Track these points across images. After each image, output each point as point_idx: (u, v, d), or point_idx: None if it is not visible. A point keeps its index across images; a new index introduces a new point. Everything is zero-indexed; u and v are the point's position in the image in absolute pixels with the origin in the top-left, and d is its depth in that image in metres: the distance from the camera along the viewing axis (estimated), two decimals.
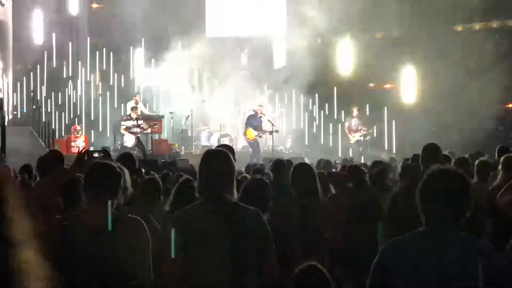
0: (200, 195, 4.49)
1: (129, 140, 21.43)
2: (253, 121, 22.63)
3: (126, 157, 7.49)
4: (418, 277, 3.60)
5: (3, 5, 25.09)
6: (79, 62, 26.95)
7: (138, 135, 21.48)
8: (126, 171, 5.09)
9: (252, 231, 4.40)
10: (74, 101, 26.66)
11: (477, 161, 8.59)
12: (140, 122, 21.64)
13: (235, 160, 6.05)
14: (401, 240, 3.79)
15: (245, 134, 22.70)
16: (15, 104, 25.95)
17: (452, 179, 3.67)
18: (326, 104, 26.30)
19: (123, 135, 21.62)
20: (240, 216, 4.42)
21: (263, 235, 4.46)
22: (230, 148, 6.08)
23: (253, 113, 23.29)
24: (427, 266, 3.59)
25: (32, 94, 25.34)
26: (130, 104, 22.76)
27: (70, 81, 26.79)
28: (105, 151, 6.90)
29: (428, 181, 3.71)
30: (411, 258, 3.65)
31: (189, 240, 4.33)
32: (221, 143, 23.08)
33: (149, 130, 21.92)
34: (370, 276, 3.79)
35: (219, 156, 4.65)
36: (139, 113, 22.29)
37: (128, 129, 21.48)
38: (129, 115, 21.88)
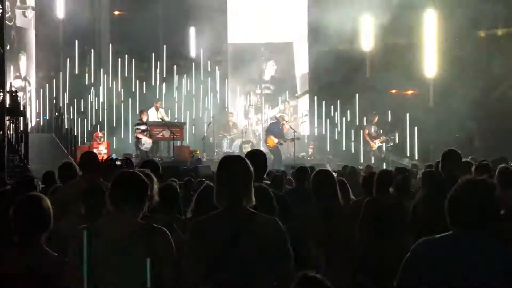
0: (218, 203, 4.34)
1: (147, 143, 21.54)
2: (274, 128, 22.61)
3: (149, 164, 7.40)
4: (448, 278, 3.59)
5: (26, 16, 25.30)
6: (101, 69, 27.05)
7: (152, 138, 21.61)
8: (154, 179, 5.02)
9: (270, 240, 4.22)
10: (96, 108, 26.75)
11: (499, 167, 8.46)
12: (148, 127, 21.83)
13: (266, 166, 5.97)
14: (433, 240, 3.77)
15: (266, 141, 22.67)
16: (37, 111, 26.06)
17: (482, 190, 3.68)
18: (348, 111, 26.18)
19: (139, 138, 21.63)
20: (257, 225, 4.24)
21: (280, 244, 4.27)
22: (262, 153, 5.97)
23: (275, 120, 23.30)
24: (458, 267, 3.58)
25: (54, 101, 25.45)
26: (151, 110, 22.79)
27: (92, 88, 26.88)
28: (127, 159, 6.86)
29: (458, 193, 3.71)
30: (442, 258, 3.64)
31: (205, 250, 4.19)
32: (243, 149, 23.07)
33: (160, 135, 21.96)
34: (400, 274, 3.79)
35: (236, 163, 4.44)
36: (158, 118, 22.29)
37: (143, 132, 21.54)
38: (140, 119, 21.94)
